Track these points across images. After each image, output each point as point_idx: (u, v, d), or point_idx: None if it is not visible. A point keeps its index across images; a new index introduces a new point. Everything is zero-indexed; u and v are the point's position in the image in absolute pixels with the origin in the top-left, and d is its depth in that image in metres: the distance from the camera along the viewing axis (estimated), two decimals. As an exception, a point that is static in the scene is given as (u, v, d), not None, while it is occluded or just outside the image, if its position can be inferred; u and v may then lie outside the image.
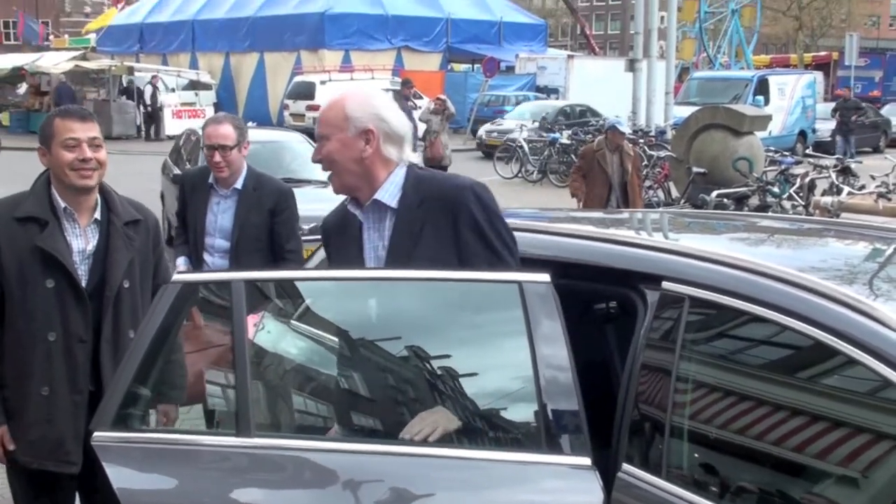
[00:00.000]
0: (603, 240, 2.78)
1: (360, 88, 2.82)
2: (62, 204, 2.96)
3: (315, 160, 2.63)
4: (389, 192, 2.57)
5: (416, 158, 2.71)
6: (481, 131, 24.97)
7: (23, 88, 34.80)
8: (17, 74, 33.66)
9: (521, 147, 19.90)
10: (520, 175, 19.63)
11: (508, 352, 2.36)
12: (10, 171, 11.85)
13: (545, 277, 2.25)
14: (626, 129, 10.67)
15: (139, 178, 13.71)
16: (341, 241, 2.68)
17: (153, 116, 28.76)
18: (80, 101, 30.35)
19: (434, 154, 15.14)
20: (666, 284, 2.41)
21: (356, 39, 35.01)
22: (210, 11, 39.38)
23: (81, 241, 2.99)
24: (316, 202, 5.28)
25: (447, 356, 2.42)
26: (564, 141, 19.21)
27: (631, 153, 9.84)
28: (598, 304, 3.31)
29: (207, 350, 2.68)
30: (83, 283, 2.95)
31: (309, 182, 9.32)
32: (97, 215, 3.02)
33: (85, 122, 2.96)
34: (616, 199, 9.48)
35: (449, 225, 2.50)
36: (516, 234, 2.63)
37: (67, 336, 2.93)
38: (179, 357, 2.68)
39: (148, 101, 28.36)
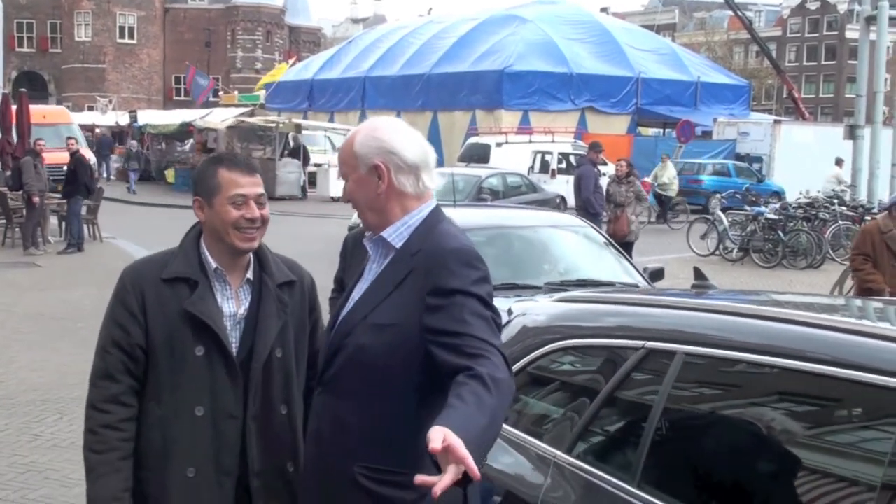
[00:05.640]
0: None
1: (369, 121, 2.81)
2: (213, 264, 2.89)
3: (344, 200, 2.82)
4: (399, 232, 2.64)
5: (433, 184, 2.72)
6: None
7: (188, 144, 36.83)
8: (186, 130, 35.76)
9: (720, 221, 19.40)
10: (717, 252, 19.19)
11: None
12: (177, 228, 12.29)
13: None
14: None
15: (296, 241, 13.66)
16: (354, 261, 3.01)
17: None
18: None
19: (618, 230, 13.90)
20: None
21: (537, 99, 35.32)
22: (382, 68, 40.73)
23: (233, 304, 2.91)
24: None
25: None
26: (771, 216, 18.67)
27: None
28: None
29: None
30: (234, 352, 2.86)
31: (598, 283, 7.16)
32: (249, 275, 2.94)
33: (253, 176, 2.89)
34: None
35: (421, 285, 2.51)
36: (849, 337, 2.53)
37: (217, 411, 2.83)
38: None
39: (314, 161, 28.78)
